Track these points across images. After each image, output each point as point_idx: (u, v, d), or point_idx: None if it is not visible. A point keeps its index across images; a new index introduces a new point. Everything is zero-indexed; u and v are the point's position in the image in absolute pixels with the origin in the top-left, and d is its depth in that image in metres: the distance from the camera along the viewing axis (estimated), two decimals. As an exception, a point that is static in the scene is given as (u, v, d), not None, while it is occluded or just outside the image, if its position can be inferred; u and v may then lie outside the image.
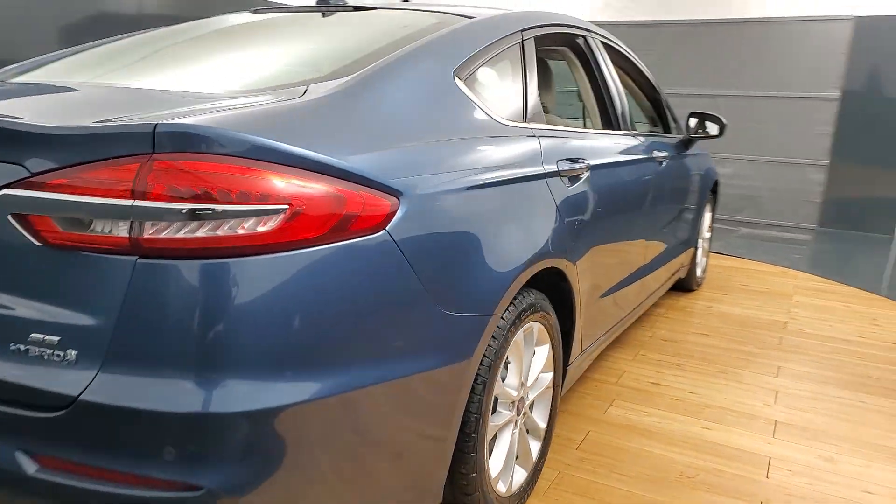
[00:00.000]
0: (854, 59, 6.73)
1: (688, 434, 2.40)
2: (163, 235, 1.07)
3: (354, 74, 1.44)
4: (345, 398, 1.21)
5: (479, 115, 1.66)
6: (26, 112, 1.24)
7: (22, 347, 1.12)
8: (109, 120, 1.13)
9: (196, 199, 1.06)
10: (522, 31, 2.05)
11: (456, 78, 1.64)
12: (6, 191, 1.12)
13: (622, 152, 2.51)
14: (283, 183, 1.12)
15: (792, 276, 4.84)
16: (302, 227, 1.14)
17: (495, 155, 1.64)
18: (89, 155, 1.09)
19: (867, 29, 6.65)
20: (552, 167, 1.89)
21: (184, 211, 1.06)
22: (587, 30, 2.62)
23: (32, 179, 1.11)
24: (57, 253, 1.11)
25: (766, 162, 7.21)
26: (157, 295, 1.07)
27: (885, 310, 4.06)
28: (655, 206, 2.91)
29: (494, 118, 1.73)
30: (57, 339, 1.11)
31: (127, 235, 1.08)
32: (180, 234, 1.07)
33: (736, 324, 3.67)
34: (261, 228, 1.10)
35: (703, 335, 3.47)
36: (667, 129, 3.51)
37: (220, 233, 1.08)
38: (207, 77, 1.56)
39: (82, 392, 1.08)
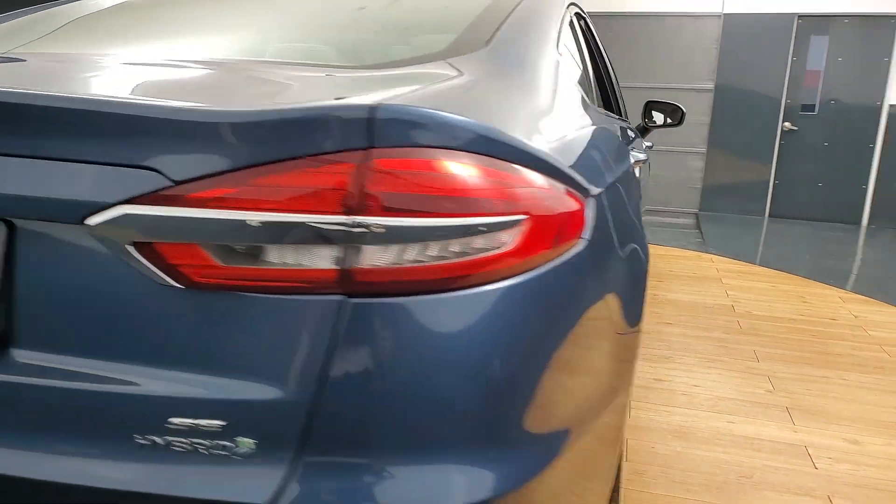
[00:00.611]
0: (724, 53, 7.20)
1: (718, 431, 2.33)
2: (385, 264, 0.75)
3: (487, 48, 1.17)
4: (566, 455, 0.95)
5: (585, 97, 1.45)
6: (129, 93, 0.85)
7: (158, 440, 0.75)
8: (288, 100, 0.79)
9: (434, 211, 0.76)
10: (567, 6, 1.85)
11: (559, 55, 1.41)
12: (125, 208, 0.74)
13: (642, 141, 2.40)
14: (520, 186, 0.84)
15: (707, 259, 5.06)
16: (536, 241, 0.86)
17: (614, 145, 1.43)
18: (268, 152, 0.74)
19: (734, 25, 7.14)
20: (631, 158, 1.71)
21: (420, 228, 0.75)
22: (583, 10, 2.47)
23: (172, 191, 0.73)
24: (206, 297, 0.75)
25: (652, 151, 7.54)
26: (381, 348, 0.75)
27: (806, 287, 4.32)
28: (645, 195, 2.85)
29: (589, 101, 1.52)
30: (219, 423, 0.75)
31: (332, 267, 0.74)
32: (410, 262, 0.76)
33: (689, 310, 3.72)
34: (487, 247, 0.80)
35: (668, 324, 3.48)
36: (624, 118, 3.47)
37: (456, 257, 0.78)
38: (287, 48, 1.21)
39: (276, 499, 0.74)
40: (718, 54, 7.20)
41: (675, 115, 3.49)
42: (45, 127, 0.75)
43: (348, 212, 0.73)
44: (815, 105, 7.20)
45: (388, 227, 0.74)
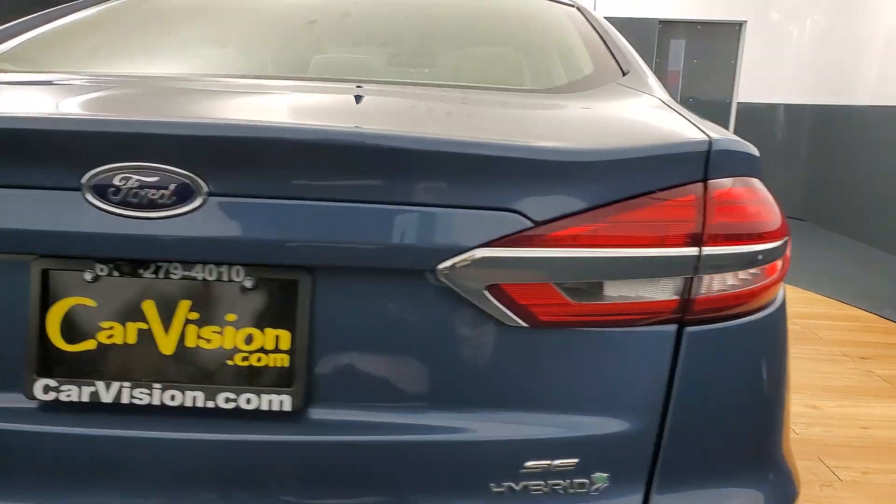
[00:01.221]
0: (597, 54, 7.69)
1: (703, 409, 2.54)
2: (718, 292, 0.79)
3: (629, 75, 1.22)
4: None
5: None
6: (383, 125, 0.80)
7: (515, 486, 0.74)
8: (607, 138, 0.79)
9: (761, 236, 0.81)
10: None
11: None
12: (484, 251, 0.71)
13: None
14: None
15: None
16: (785, 262, 0.94)
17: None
18: (617, 189, 0.74)
19: (616, 27, 7.64)
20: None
21: (751, 253, 0.79)
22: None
23: (532, 232, 0.72)
24: (548, 335, 0.75)
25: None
26: (717, 373, 0.79)
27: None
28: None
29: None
30: (573, 461, 0.75)
31: (673, 297, 0.77)
32: (734, 288, 0.80)
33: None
34: (779, 267, 0.87)
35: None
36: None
37: (761, 280, 0.83)
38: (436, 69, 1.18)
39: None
40: (593, 55, 7.68)
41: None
42: (379, 170, 0.71)
43: (694, 242, 0.76)
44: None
45: (728, 255, 0.78)
